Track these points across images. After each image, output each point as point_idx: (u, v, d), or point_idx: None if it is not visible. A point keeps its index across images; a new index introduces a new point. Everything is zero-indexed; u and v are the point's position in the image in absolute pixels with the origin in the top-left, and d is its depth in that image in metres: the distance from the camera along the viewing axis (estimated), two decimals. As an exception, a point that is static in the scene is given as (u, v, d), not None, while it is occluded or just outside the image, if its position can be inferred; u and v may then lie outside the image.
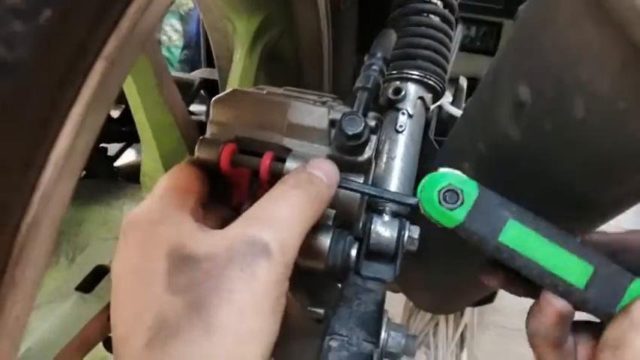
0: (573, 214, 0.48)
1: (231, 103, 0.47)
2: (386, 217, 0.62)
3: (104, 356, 0.57)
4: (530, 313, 0.43)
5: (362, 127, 0.44)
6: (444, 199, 0.41)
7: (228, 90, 0.48)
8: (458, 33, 1.77)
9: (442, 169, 0.43)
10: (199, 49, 1.33)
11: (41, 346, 0.40)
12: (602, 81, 0.36)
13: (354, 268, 0.60)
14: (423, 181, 0.43)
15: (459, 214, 0.41)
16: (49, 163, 0.24)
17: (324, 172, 0.41)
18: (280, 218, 0.35)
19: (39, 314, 0.42)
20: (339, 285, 0.58)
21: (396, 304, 1.35)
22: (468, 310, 1.28)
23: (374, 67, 0.52)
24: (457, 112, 0.85)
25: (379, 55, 0.53)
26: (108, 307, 0.37)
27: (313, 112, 0.47)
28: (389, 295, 1.05)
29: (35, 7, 0.18)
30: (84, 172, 0.76)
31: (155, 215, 0.37)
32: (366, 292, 0.58)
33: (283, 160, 0.44)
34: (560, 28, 0.38)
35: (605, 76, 0.36)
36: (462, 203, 0.41)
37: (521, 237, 0.40)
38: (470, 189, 0.41)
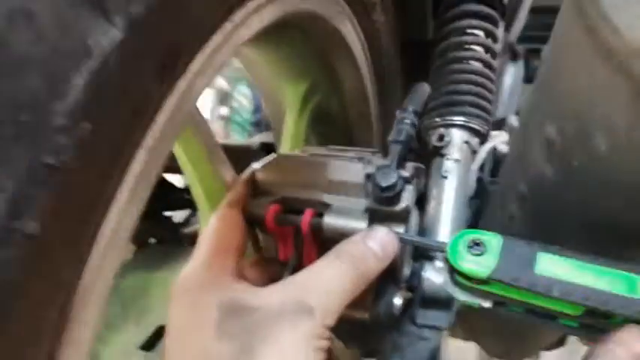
0: (623, 244, 0.47)
1: (275, 167, 0.52)
2: (438, 264, 0.62)
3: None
4: (599, 346, 0.38)
5: (395, 179, 0.46)
6: (470, 249, 0.41)
7: (270, 156, 0.53)
8: (518, 68, 1.74)
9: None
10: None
11: (111, 400, 0.44)
12: (617, 115, 0.36)
13: (409, 317, 0.60)
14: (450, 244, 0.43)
15: (488, 261, 0.41)
16: (98, 237, 0.29)
17: (381, 244, 0.43)
18: (327, 289, 0.39)
19: (109, 373, 0.47)
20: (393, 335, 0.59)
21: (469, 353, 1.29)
22: (543, 354, 1.20)
23: (406, 120, 0.54)
24: (510, 152, 0.84)
25: (410, 109, 0.55)
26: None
27: (350, 169, 0.50)
28: (462, 345, 1.02)
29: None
30: (153, 240, 0.83)
31: (201, 280, 0.41)
32: (421, 341, 0.58)
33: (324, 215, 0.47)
34: (573, 70, 0.39)
35: (619, 110, 0.36)
36: (488, 251, 0.41)
37: (555, 265, 0.39)
38: (493, 238, 0.42)
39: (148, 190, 0.33)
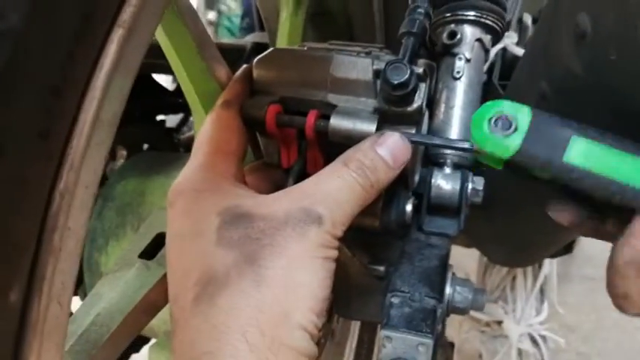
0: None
1: (272, 62, 0.47)
2: (447, 170, 0.59)
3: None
4: (621, 242, 0.37)
5: (408, 75, 0.41)
6: (496, 127, 0.38)
7: (268, 50, 0.47)
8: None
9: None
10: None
11: (109, 311, 0.42)
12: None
13: (417, 224, 0.59)
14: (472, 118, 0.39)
15: (515, 141, 0.37)
16: (74, 133, 0.25)
17: (392, 152, 0.40)
18: (336, 199, 0.37)
19: (106, 282, 0.45)
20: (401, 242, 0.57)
21: (469, 259, 1.32)
22: (547, 261, 1.22)
23: (419, 9, 0.49)
24: (523, 52, 0.79)
25: (424, -4, 0.49)
26: (170, 272, 0.38)
27: (356, 64, 0.45)
28: (463, 250, 1.03)
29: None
30: (146, 145, 0.79)
31: (200, 184, 0.38)
32: (429, 248, 0.56)
33: (329, 117, 0.43)
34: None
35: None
36: (516, 129, 0.37)
37: (590, 153, 0.36)
38: (522, 113, 0.38)
39: (128, 81, 0.29)
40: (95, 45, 0.24)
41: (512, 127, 0.37)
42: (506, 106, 0.38)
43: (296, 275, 0.34)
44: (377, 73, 0.44)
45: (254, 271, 0.33)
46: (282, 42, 0.68)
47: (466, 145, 0.41)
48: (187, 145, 0.80)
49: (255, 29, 1.39)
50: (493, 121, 0.38)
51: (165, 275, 0.46)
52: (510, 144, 0.37)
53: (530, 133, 0.37)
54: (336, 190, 0.37)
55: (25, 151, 0.20)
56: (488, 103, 0.39)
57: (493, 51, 0.74)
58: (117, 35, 0.26)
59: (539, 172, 0.37)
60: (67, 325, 0.28)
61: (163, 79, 0.94)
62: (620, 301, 0.39)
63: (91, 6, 0.23)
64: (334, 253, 0.36)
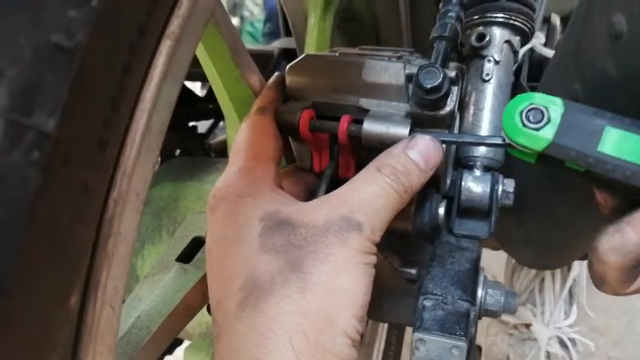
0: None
1: (304, 69, 0.47)
2: (477, 172, 0.59)
3: (208, 321, 0.61)
4: (614, 228, 0.37)
5: (440, 79, 0.41)
6: (528, 120, 0.37)
7: (300, 56, 0.48)
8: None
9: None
10: (279, 23, 1.34)
11: (149, 313, 0.43)
12: None
13: (447, 227, 0.59)
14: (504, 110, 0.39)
15: (547, 133, 0.37)
16: (127, 142, 0.26)
17: (424, 155, 0.40)
18: (373, 205, 0.37)
19: (145, 285, 0.46)
20: (432, 245, 0.57)
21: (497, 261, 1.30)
22: (576, 264, 1.21)
23: (450, 14, 0.49)
24: (551, 53, 0.78)
25: (455, 0, 0.50)
26: (206, 275, 0.39)
27: (388, 69, 0.45)
28: (490, 253, 1.02)
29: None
30: (178, 151, 0.81)
31: (241, 189, 0.39)
32: (460, 251, 0.56)
33: (361, 122, 0.44)
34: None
35: None
36: (549, 121, 0.37)
37: (624, 142, 0.35)
38: (555, 105, 0.37)
39: (176, 89, 0.30)
40: (146, 57, 0.25)
41: (545, 119, 0.37)
42: (537, 98, 0.37)
43: (339, 281, 0.34)
44: (409, 78, 0.44)
45: (298, 278, 0.34)
46: (310, 47, 0.69)
47: (498, 141, 0.40)
48: (218, 150, 0.82)
49: (279, 35, 1.40)
50: (525, 113, 0.37)
51: (202, 278, 0.47)
52: (543, 136, 0.37)
53: (563, 124, 0.36)
54: (372, 197, 0.37)
55: (86, 160, 0.21)
56: (520, 95, 0.38)
57: (520, 52, 0.74)
58: (165, 46, 0.26)
59: (573, 164, 0.37)
60: (117, 328, 0.29)
61: (191, 85, 0.96)
62: (596, 281, 0.39)
63: (145, 19, 0.24)
64: (373, 259, 0.37)
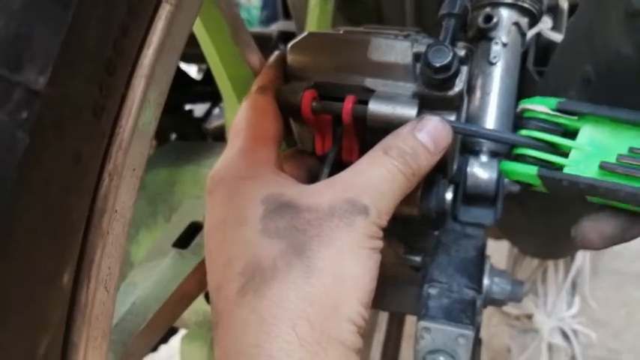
0: None
1: (307, 47, 0.45)
2: (483, 158, 0.58)
3: (205, 309, 0.59)
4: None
5: (450, 58, 0.40)
6: None
7: (303, 34, 0.46)
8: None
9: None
10: (277, 8, 1.31)
11: (144, 300, 0.42)
12: None
13: (452, 214, 0.57)
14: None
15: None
16: (123, 112, 0.24)
17: (433, 137, 0.39)
18: (380, 188, 0.36)
19: (141, 271, 0.44)
20: (437, 233, 0.56)
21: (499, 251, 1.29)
22: (580, 254, 1.19)
23: (460, -10, 0.47)
24: (558, 37, 0.77)
25: (465, -24, 0.48)
26: (204, 261, 0.37)
27: (395, 47, 0.44)
28: (490, 245, 1.01)
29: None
30: (174, 136, 0.79)
31: (241, 171, 0.37)
32: (465, 238, 0.55)
33: (367, 102, 0.42)
34: None
35: None
36: None
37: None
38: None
39: (174, 60, 0.28)
40: (145, 20, 0.23)
41: None
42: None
43: (345, 266, 0.33)
44: (416, 57, 0.43)
45: (302, 262, 0.32)
46: (311, 29, 0.67)
47: (509, 136, 0.39)
48: (215, 135, 0.80)
49: (276, 20, 1.37)
50: None
51: (199, 264, 0.45)
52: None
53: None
54: (379, 180, 0.36)
55: (80, 126, 0.19)
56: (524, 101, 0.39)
57: (528, 36, 0.72)
58: (165, 11, 0.25)
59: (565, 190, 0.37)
60: (112, 311, 0.27)
61: (187, 69, 0.94)
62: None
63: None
64: (380, 244, 0.35)
